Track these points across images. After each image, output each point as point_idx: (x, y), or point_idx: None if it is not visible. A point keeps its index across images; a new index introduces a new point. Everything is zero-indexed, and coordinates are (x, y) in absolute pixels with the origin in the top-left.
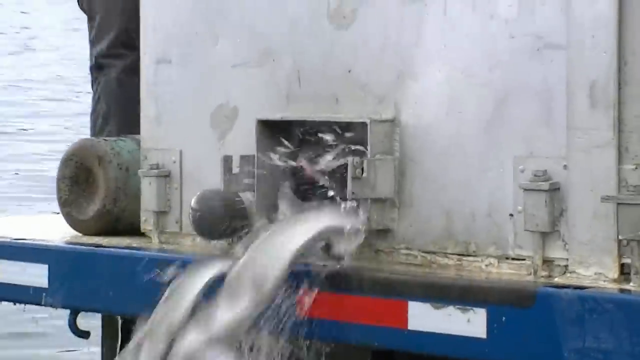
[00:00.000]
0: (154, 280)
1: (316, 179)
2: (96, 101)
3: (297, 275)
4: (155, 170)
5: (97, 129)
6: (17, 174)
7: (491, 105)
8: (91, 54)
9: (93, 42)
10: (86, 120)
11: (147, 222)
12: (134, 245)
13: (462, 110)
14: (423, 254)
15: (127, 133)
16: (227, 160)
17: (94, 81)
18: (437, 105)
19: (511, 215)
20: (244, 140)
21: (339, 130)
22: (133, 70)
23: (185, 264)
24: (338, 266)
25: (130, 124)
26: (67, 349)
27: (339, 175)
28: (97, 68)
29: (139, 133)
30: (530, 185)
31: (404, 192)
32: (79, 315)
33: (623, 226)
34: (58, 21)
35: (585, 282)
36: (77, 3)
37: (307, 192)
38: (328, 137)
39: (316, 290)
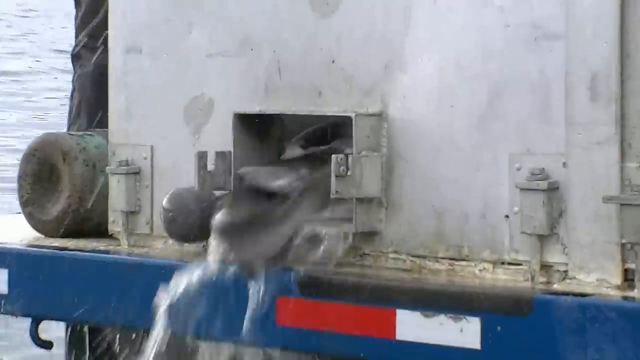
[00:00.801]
0: (123, 285)
1: None
2: (72, 92)
3: (276, 279)
4: (125, 167)
5: (70, 122)
6: None
7: (485, 99)
8: (75, 41)
9: (77, 29)
10: None
11: (115, 223)
12: (101, 248)
13: (454, 103)
14: (412, 258)
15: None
16: (201, 157)
17: (74, 69)
18: (428, 99)
19: (507, 216)
20: (220, 135)
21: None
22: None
23: (157, 268)
24: (320, 271)
25: (102, 122)
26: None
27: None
28: (76, 57)
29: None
30: (527, 185)
31: (392, 192)
32: (42, 324)
33: (626, 229)
34: None
35: (586, 289)
36: None
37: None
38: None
39: (297, 297)
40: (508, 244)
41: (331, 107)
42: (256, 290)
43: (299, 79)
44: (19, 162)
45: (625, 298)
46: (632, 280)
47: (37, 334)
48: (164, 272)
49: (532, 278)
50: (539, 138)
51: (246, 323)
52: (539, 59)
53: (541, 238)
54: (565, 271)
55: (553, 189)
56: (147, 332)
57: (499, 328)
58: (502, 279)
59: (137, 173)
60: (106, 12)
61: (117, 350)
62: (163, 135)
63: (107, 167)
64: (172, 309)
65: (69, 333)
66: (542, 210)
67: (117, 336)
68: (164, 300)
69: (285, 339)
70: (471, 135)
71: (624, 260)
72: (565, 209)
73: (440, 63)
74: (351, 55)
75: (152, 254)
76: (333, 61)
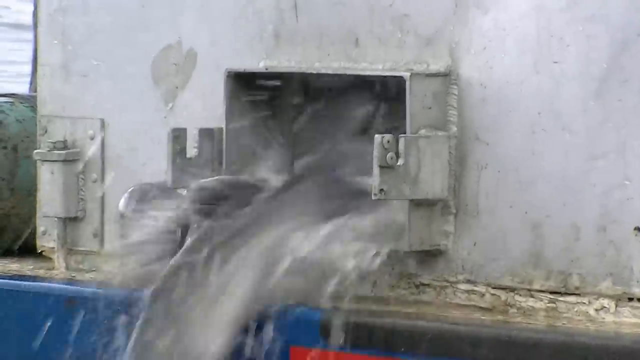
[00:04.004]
0: (58, 329)
1: None
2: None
3: (290, 321)
4: (62, 152)
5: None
6: None
7: (607, 52)
8: None
9: None
10: None
11: (47, 236)
12: (27, 272)
13: (560, 59)
14: (494, 291)
15: None
16: (177, 136)
17: None
18: (520, 52)
19: (638, 229)
20: (205, 103)
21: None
22: None
23: (110, 303)
24: (353, 309)
25: None
26: None
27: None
28: None
29: None
30: None
31: (466, 191)
32: None
33: None
34: None
35: None
36: None
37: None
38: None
39: (318, 347)
40: None
41: (373, 63)
42: (262, 338)
43: (325, 20)
44: None
45: None
46: None
47: None
48: (121, 309)
49: None
50: None
51: None
52: None
53: None
54: None
55: None
56: None
57: None
58: (630, 322)
59: (79, 160)
60: None
61: None
62: (119, 104)
63: (35, 152)
64: None
65: None
66: None
67: None
68: None
69: None
70: (585, 108)
71: None
72: None
73: None
74: None
75: (103, 281)
76: None
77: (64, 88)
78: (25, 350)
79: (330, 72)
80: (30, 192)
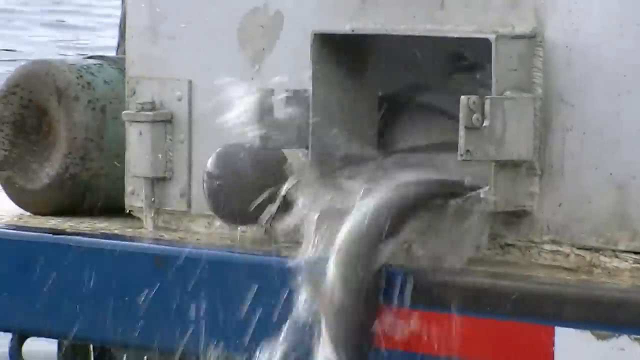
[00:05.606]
0: (146, 288)
1: None
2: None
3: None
4: (150, 113)
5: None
6: None
7: None
8: None
9: None
10: None
11: (135, 196)
12: (115, 231)
13: None
14: (579, 252)
15: None
16: (265, 98)
17: None
18: (605, 14)
19: None
20: (291, 65)
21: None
22: None
23: (198, 262)
24: (442, 270)
25: None
26: None
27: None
28: None
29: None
30: None
31: (551, 152)
32: (26, 341)
33: None
34: None
35: None
36: None
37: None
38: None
39: (407, 308)
40: None
41: (459, 25)
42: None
43: None
44: None
45: None
46: None
47: (21, 354)
48: (209, 269)
49: None
50: None
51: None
52: None
53: None
54: None
55: None
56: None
57: None
58: None
59: (168, 121)
60: None
61: None
62: (206, 66)
63: (124, 112)
64: None
65: (63, 353)
66: None
67: None
68: None
69: None
70: None
71: None
72: None
73: None
74: None
75: (190, 240)
76: None
77: (151, 50)
78: (114, 309)
79: (416, 34)
80: (118, 152)
